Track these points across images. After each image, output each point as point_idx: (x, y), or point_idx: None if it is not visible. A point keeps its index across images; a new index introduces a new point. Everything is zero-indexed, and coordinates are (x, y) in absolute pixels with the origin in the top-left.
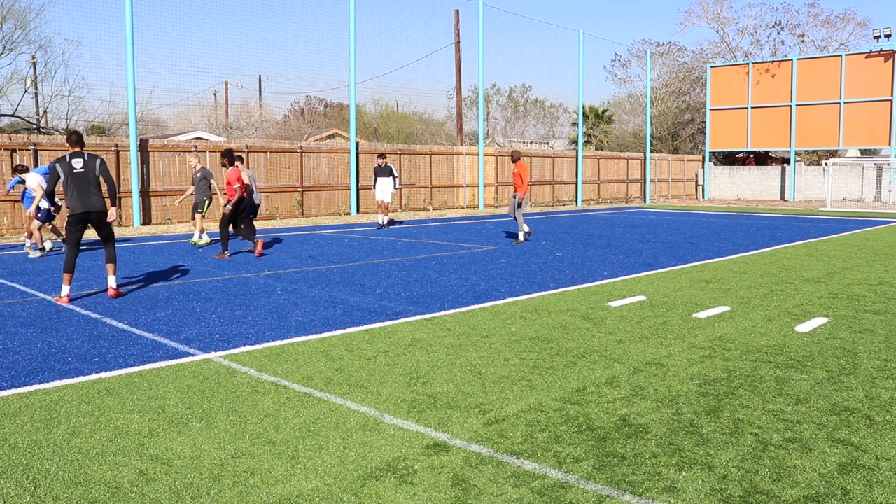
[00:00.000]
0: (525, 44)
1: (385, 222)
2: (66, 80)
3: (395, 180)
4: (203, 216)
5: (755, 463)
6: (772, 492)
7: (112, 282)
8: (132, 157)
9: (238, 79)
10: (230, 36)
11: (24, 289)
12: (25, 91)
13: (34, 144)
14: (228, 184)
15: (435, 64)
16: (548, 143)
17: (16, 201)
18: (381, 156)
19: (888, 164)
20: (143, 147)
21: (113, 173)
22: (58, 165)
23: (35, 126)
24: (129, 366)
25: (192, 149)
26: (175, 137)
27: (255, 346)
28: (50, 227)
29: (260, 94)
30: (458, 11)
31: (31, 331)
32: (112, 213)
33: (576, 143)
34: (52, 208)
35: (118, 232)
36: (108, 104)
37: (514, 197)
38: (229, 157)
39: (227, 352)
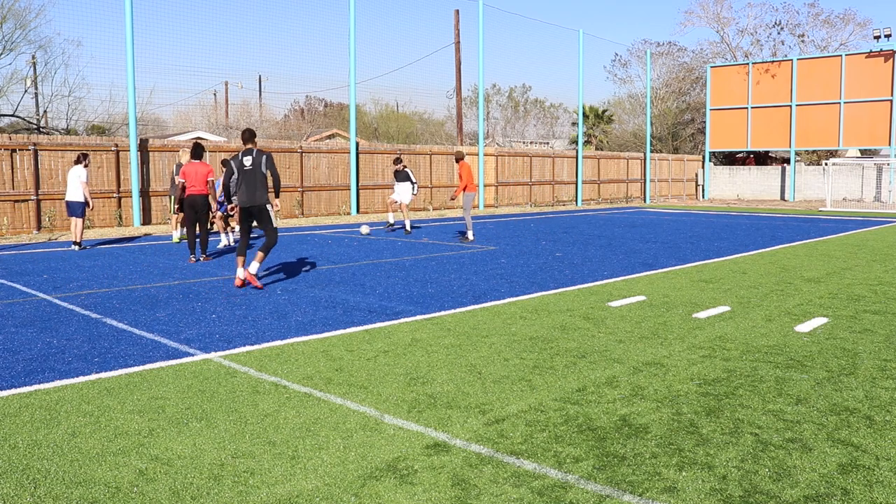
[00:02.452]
0: (525, 44)
1: (392, 221)
2: (66, 80)
3: (413, 186)
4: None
5: (755, 463)
6: (772, 492)
7: (253, 268)
8: (132, 157)
9: (238, 79)
10: (230, 36)
11: (24, 289)
12: (25, 91)
13: (34, 144)
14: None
15: (435, 64)
16: (548, 143)
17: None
18: (398, 160)
19: (888, 164)
20: (143, 147)
21: (112, 173)
22: (232, 162)
23: (35, 126)
24: (129, 366)
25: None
26: (175, 137)
27: (255, 346)
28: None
29: (260, 94)
30: (458, 11)
31: (31, 331)
32: (276, 204)
33: (576, 143)
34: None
35: (118, 232)
36: (108, 104)
37: (452, 199)
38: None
39: (227, 352)
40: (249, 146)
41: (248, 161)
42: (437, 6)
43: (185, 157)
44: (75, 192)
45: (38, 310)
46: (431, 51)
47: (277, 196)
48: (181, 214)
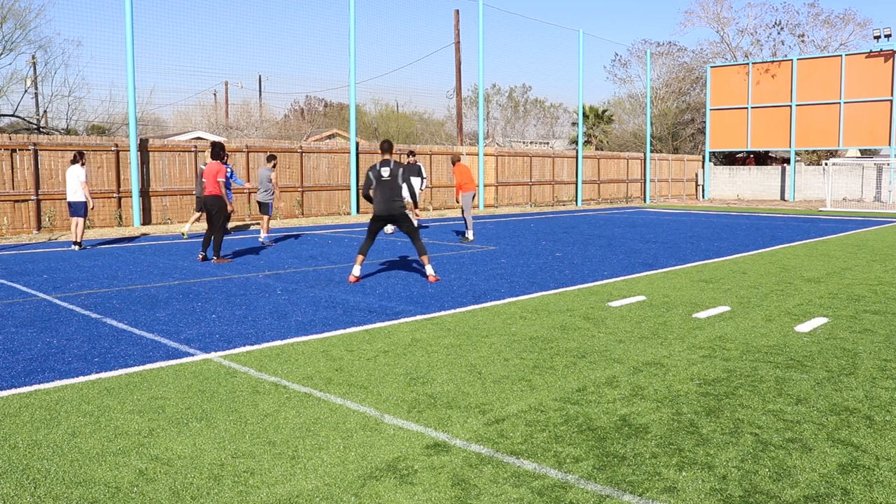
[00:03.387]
0: (525, 44)
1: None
2: (66, 80)
3: (422, 181)
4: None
5: (755, 463)
6: (772, 492)
7: (429, 270)
8: (132, 157)
9: (238, 79)
10: (230, 36)
11: (24, 289)
12: (25, 91)
13: (34, 144)
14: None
15: (435, 64)
16: (548, 143)
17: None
18: (411, 153)
19: (888, 164)
20: (143, 147)
21: (112, 173)
22: (370, 173)
23: (35, 126)
24: (129, 366)
25: (192, 148)
26: (175, 137)
27: (255, 346)
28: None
29: (260, 94)
30: (458, 11)
31: (31, 331)
32: (417, 214)
33: (576, 143)
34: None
35: (118, 232)
36: (108, 104)
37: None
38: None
39: (227, 352)
40: (387, 157)
41: (385, 172)
42: (437, 6)
43: (208, 157)
44: (76, 193)
45: (38, 310)
46: (431, 51)
47: (416, 206)
48: (202, 214)
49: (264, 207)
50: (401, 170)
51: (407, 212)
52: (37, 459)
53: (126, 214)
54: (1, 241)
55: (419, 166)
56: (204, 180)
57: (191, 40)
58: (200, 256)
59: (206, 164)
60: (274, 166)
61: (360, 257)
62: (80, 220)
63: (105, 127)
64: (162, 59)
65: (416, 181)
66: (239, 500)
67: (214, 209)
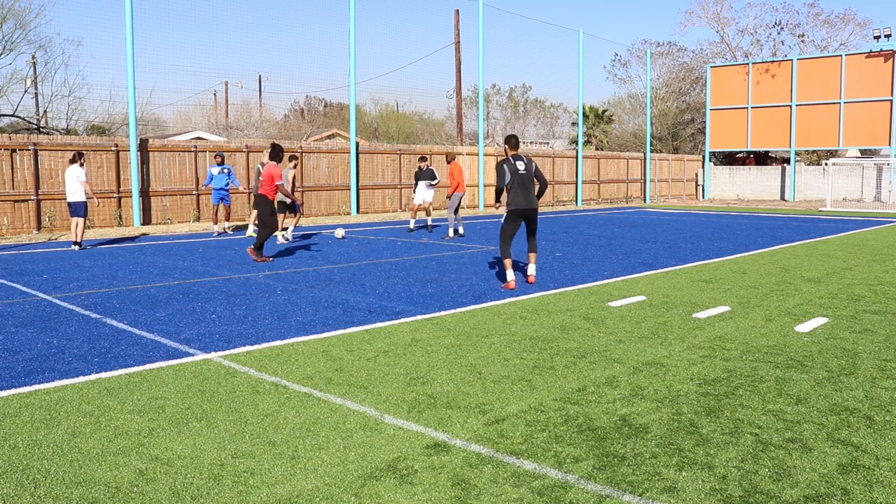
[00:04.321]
0: (525, 44)
1: (413, 226)
2: (66, 80)
3: (433, 180)
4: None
5: (755, 463)
6: (772, 492)
7: (532, 269)
8: (132, 157)
9: (238, 79)
10: (230, 36)
11: (24, 289)
12: (25, 91)
13: (34, 144)
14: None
15: (435, 64)
16: (548, 143)
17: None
18: (423, 159)
19: (888, 164)
20: (143, 147)
21: (112, 173)
22: (505, 166)
23: (35, 126)
24: (129, 366)
25: (192, 148)
26: (175, 137)
27: (255, 346)
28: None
29: (260, 94)
30: (458, 11)
31: (31, 331)
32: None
33: (576, 143)
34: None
35: (118, 232)
36: (108, 104)
37: (449, 198)
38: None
39: (227, 352)
40: (515, 152)
41: (521, 166)
42: (437, 6)
43: (266, 157)
44: (75, 193)
45: (38, 310)
46: (431, 51)
47: (538, 200)
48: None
49: (289, 207)
50: (534, 165)
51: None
52: (37, 459)
53: (126, 214)
54: (1, 241)
55: (432, 170)
56: (262, 178)
57: (191, 40)
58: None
59: (263, 164)
60: (295, 166)
61: (509, 261)
62: (81, 220)
63: (105, 127)
64: (162, 59)
65: (424, 184)
66: (239, 500)
67: (261, 207)
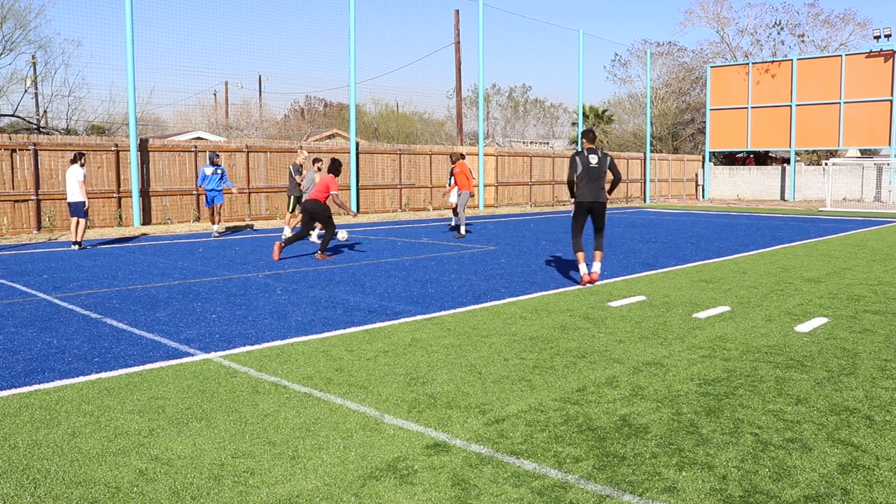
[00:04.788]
0: (525, 44)
1: (455, 223)
2: (66, 80)
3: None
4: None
5: (755, 463)
6: (772, 492)
7: (596, 267)
8: (132, 157)
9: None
10: (230, 36)
11: (24, 289)
12: (25, 91)
13: (34, 144)
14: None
15: (435, 64)
16: (548, 143)
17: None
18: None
19: (888, 164)
20: (143, 147)
21: (112, 173)
22: (577, 158)
23: (35, 126)
24: (129, 366)
25: (192, 148)
26: (175, 137)
27: (255, 346)
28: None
29: (260, 94)
30: (458, 11)
31: (31, 331)
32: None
33: (576, 143)
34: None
35: (118, 232)
36: (108, 104)
37: (460, 195)
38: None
39: (227, 352)
40: (591, 146)
41: (594, 160)
42: (437, 6)
43: (300, 158)
44: (75, 193)
45: (38, 310)
46: (431, 51)
47: (610, 193)
48: (296, 212)
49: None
50: (608, 160)
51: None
52: (37, 459)
53: (126, 214)
54: (1, 241)
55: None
56: (308, 185)
57: (191, 40)
58: (318, 254)
59: (298, 165)
60: (318, 169)
61: (581, 255)
62: (81, 220)
63: (105, 127)
64: (162, 59)
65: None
66: (239, 500)
67: (318, 211)
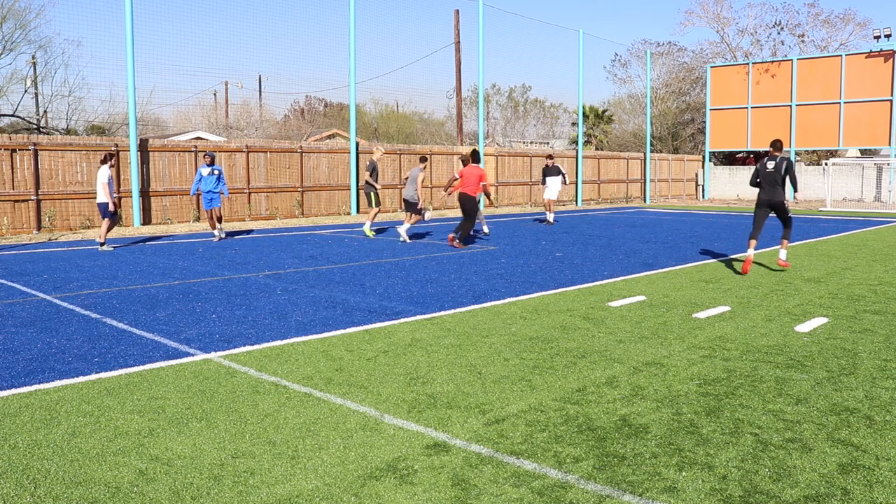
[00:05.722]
0: (525, 44)
1: (551, 219)
2: (66, 80)
3: (564, 176)
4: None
5: (755, 463)
6: (772, 492)
7: (782, 255)
8: (132, 157)
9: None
10: (230, 36)
11: (24, 289)
12: (25, 91)
13: (34, 144)
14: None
15: (435, 64)
16: (548, 143)
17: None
18: (550, 157)
19: (888, 164)
20: (143, 147)
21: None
22: (758, 166)
23: (35, 126)
24: (129, 366)
25: (192, 148)
26: (175, 137)
27: (255, 346)
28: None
29: (260, 94)
30: (458, 11)
31: (31, 331)
32: (797, 199)
33: (576, 143)
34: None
35: (118, 232)
36: (108, 104)
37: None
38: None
39: (227, 352)
40: (775, 154)
41: (770, 165)
42: (437, 6)
43: (377, 154)
44: (100, 194)
45: (38, 310)
46: (431, 51)
47: (795, 191)
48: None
49: (411, 206)
50: (784, 164)
51: (785, 202)
52: (37, 459)
53: (126, 214)
54: (1, 241)
55: (558, 167)
56: (458, 178)
57: (191, 40)
58: (456, 239)
59: (374, 161)
60: (424, 167)
61: (754, 242)
62: (106, 220)
63: (105, 127)
64: (162, 59)
65: (556, 180)
66: (239, 500)
67: (470, 206)
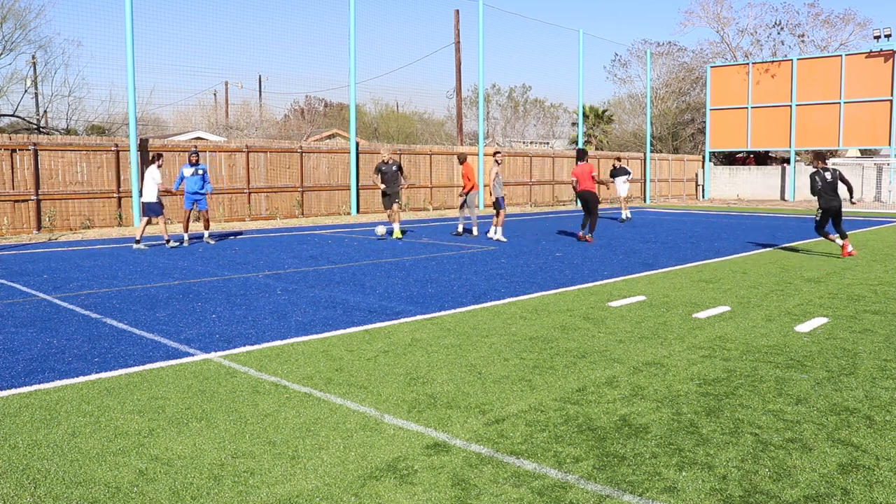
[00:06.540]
0: (525, 44)
1: (629, 216)
2: (66, 80)
3: (627, 175)
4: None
5: (755, 463)
6: (772, 492)
7: (848, 247)
8: (132, 157)
9: (238, 79)
10: (230, 36)
11: (24, 289)
12: (25, 91)
13: (34, 144)
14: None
15: (435, 64)
16: (548, 143)
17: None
18: (618, 159)
19: (888, 164)
20: (143, 147)
21: (112, 173)
22: (816, 177)
23: (35, 126)
24: (129, 366)
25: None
26: (175, 137)
27: (255, 346)
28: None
29: (260, 94)
30: (458, 11)
31: (31, 331)
32: (853, 201)
33: (576, 143)
34: None
35: (119, 232)
36: (108, 104)
37: (465, 196)
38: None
39: (227, 352)
40: (824, 165)
41: (828, 176)
42: (437, 6)
43: (386, 155)
44: (149, 194)
45: (38, 310)
46: (431, 51)
47: (851, 195)
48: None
49: (496, 203)
50: (838, 172)
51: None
52: (37, 459)
53: (126, 214)
54: (1, 241)
55: (625, 168)
56: (574, 178)
57: (191, 40)
58: (585, 236)
59: (385, 162)
60: (498, 162)
61: (830, 234)
62: (160, 218)
63: (105, 127)
64: (162, 59)
65: (619, 179)
66: (239, 500)
67: (591, 201)
